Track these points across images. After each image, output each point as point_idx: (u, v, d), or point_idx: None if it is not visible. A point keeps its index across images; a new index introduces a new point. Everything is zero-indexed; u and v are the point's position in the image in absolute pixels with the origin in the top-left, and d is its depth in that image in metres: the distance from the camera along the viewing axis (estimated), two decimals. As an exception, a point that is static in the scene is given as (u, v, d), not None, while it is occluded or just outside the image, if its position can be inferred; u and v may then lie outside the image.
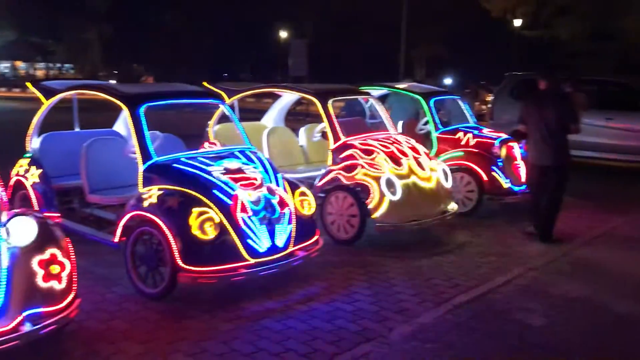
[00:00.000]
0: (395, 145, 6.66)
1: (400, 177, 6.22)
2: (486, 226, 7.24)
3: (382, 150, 6.44)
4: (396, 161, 6.37)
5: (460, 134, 8.00)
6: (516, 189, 7.60)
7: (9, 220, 3.67)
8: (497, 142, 7.77)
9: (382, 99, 9.32)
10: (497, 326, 4.46)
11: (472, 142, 7.86)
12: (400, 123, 8.72)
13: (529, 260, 5.99)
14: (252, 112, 9.95)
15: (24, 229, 3.66)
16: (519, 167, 7.77)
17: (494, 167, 7.55)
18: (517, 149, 7.91)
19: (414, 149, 6.76)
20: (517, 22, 29.45)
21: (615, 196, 9.34)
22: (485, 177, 7.51)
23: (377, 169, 6.21)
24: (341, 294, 4.95)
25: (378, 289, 5.10)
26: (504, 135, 8.10)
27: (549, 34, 27.56)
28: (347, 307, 4.70)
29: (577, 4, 24.69)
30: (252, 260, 4.67)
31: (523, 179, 7.74)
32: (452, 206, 6.70)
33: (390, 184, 6.10)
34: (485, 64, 28.28)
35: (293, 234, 5.00)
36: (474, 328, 4.40)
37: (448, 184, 6.77)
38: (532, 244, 6.61)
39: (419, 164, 6.51)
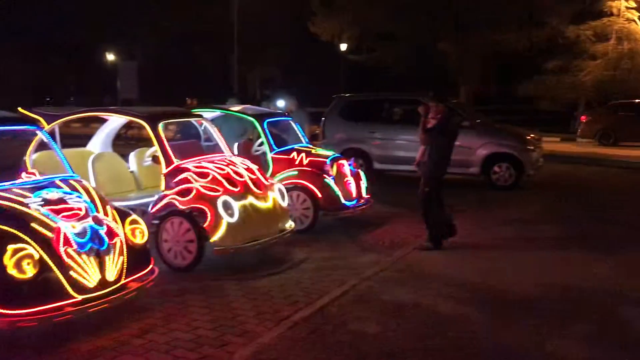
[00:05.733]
0: (231, 166, 6.65)
1: (237, 198, 6.21)
2: (323, 241, 7.47)
3: (218, 172, 6.39)
4: (232, 182, 6.34)
5: (294, 154, 8.21)
6: (348, 203, 7.98)
7: None
8: (328, 161, 8.09)
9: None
10: (334, 338, 4.58)
11: (306, 161, 8.11)
12: (235, 145, 8.73)
13: (362, 271, 6.27)
14: (79, 139, 9.33)
15: None
16: (350, 183, 8.17)
17: (327, 184, 7.84)
18: (346, 166, 8.31)
19: (249, 169, 6.79)
20: (343, 47, 31.04)
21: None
22: (319, 194, 7.76)
23: (213, 191, 6.14)
24: (180, 323, 4.79)
25: (218, 313, 5.02)
26: (334, 154, 8.45)
27: (374, 58, 29.44)
28: (187, 335, 4.56)
29: (398, 29, 26.61)
30: (80, 297, 4.35)
31: (354, 194, 8.14)
32: (290, 224, 6.82)
33: (227, 206, 6.06)
34: (316, 86, 29.39)
35: (125, 265, 4.75)
36: (313, 343, 4.49)
37: (284, 203, 6.89)
38: (365, 254, 6.96)
39: (255, 185, 6.55)
